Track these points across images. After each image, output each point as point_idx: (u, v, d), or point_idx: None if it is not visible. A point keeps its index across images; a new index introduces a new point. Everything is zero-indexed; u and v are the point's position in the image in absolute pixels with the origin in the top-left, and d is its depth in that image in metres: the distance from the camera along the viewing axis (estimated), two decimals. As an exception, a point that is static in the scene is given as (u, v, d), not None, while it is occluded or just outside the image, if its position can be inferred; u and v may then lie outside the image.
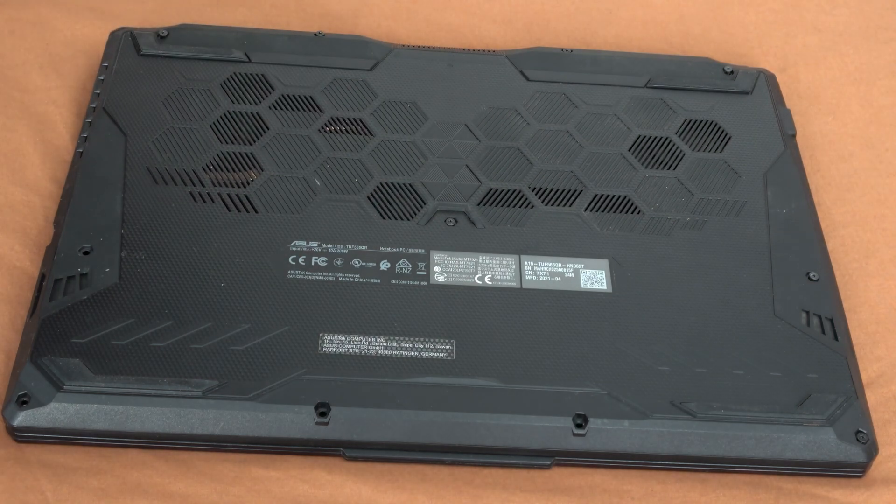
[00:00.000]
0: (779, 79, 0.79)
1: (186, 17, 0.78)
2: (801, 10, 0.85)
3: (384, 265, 0.64)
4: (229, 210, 0.66)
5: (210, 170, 0.68)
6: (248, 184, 0.67)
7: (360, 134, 0.71)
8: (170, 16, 0.78)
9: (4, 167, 0.69)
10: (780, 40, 0.83)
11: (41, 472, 0.57)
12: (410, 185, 0.68)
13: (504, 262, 0.65)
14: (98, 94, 0.71)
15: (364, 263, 0.64)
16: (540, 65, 0.76)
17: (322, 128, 0.71)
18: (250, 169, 0.68)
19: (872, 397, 0.63)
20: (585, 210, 0.68)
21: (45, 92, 0.73)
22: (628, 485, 0.59)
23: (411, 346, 0.61)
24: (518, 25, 0.82)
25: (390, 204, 0.67)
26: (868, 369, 0.65)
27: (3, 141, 0.70)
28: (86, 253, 0.62)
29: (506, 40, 0.81)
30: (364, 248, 0.65)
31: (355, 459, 0.58)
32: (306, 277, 0.63)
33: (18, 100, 0.73)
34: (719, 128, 0.74)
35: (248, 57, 0.74)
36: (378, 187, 0.68)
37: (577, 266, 0.65)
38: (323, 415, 0.57)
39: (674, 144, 0.73)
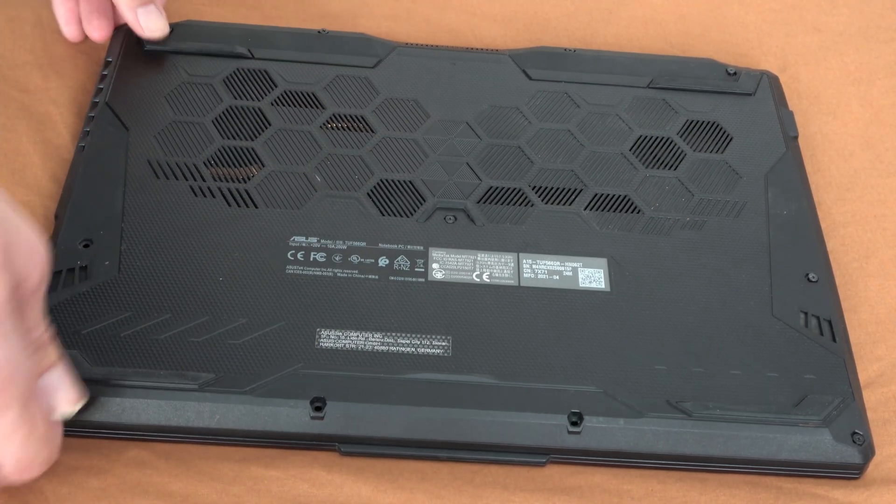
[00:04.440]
0: (779, 79, 0.79)
1: (186, 17, 0.78)
2: (801, 10, 0.85)
3: (382, 261, 0.64)
4: (229, 205, 0.66)
5: (211, 165, 0.68)
6: (249, 179, 0.67)
7: (362, 131, 0.71)
8: (170, 15, 0.78)
9: (4, 167, 0.69)
10: (780, 40, 0.83)
11: (40, 472, 0.57)
12: (411, 182, 0.68)
13: (502, 260, 0.65)
14: (101, 88, 0.71)
15: (362, 259, 0.64)
16: (543, 64, 0.76)
17: (323, 124, 0.71)
18: (251, 164, 0.68)
19: (872, 397, 0.63)
20: (585, 209, 0.68)
21: (44, 92, 0.73)
22: (628, 484, 0.59)
23: (408, 342, 0.61)
24: (518, 25, 0.82)
25: (390, 201, 0.67)
26: (868, 369, 0.65)
27: (3, 141, 0.70)
28: (86, 246, 0.63)
29: (505, 40, 0.81)
30: (363, 244, 0.65)
31: (350, 455, 0.58)
32: (304, 273, 0.63)
33: (18, 100, 0.73)
34: (721, 128, 0.74)
35: (251, 53, 0.74)
36: (378, 184, 0.68)
37: (575, 265, 0.65)
38: (318, 409, 0.57)
39: (675, 145, 0.73)
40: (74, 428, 0.57)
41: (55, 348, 0.54)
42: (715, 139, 0.73)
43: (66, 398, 0.55)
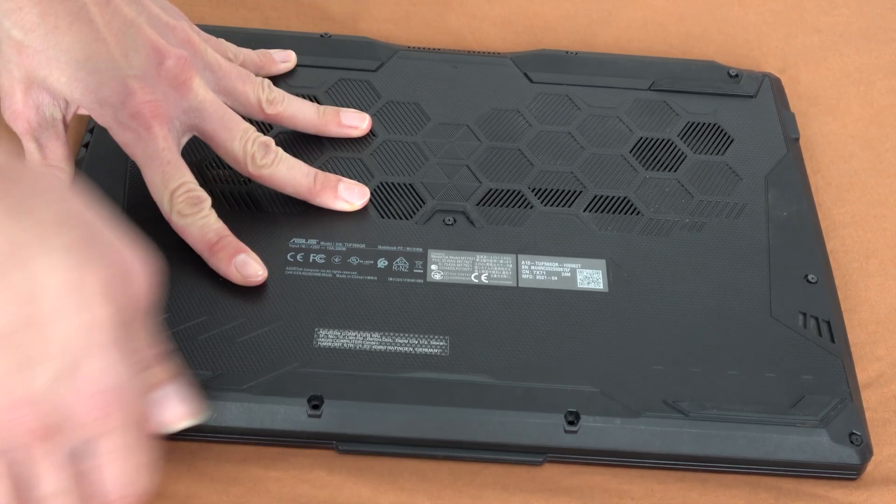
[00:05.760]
0: (781, 81, 0.79)
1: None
2: (801, 10, 0.85)
3: (381, 263, 0.65)
4: (230, 207, 0.66)
5: (213, 167, 0.68)
6: (250, 181, 0.68)
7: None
8: (172, 17, 0.79)
9: (8, 167, 0.69)
10: (780, 41, 0.83)
11: (42, 472, 0.57)
12: (410, 184, 0.69)
13: (501, 262, 0.65)
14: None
15: (361, 261, 0.65)
16: (544, 67, 0.77)
17: (325, 127, 0.72)
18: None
19: (872, 397, 0.63)
20: (584, 211, 0.68)
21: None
22: (628, 485, 0.59)
23: (405, 341, 0.61)
24: (518, 27, 0.83)
25: (390, 203, 0.68)
26: (868, 369, 0.65)
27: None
28: (87, 247, 0.63)
29: (505, 42, 0.82)
30: (362, 246, 0.65)
31: (347, 453, 0.59)
32: (303, 274, 0.63)
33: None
34: (722, 130, 0.74)
35: (254, 57, 0.75)
36: (378, 187, 0.69)
37: (573, 266, 0.66)
38: (315, 407, 0.58)
39: (675, 146, 0.73)
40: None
41: (166, 367, 0.53)
42: (715, 141, 0.73)
43: (173, 415, 0.54)
